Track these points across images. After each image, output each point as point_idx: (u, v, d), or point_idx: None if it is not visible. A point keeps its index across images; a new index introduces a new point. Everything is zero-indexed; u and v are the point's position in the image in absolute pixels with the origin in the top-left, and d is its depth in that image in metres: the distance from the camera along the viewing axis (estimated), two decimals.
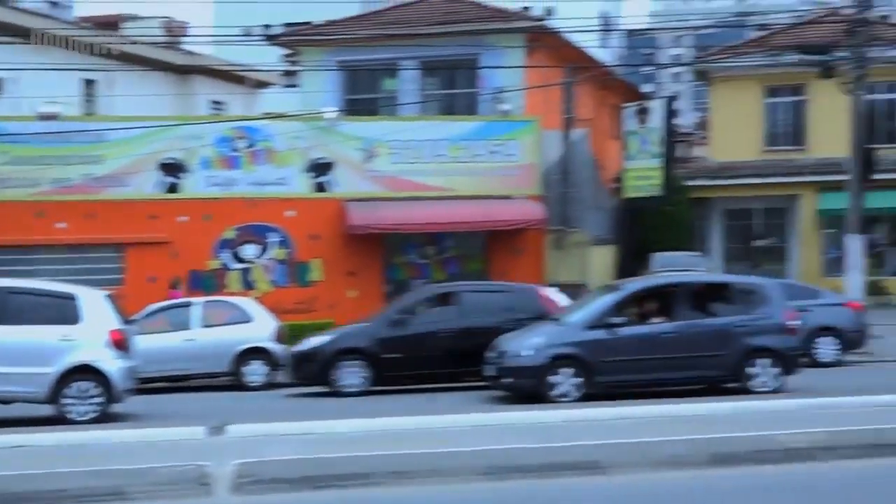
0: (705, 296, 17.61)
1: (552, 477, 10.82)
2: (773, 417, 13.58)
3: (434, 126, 27.61)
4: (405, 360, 18.85)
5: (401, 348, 18.92)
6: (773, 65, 33.36)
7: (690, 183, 34.45)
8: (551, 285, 23.32)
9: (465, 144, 27.39)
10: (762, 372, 16.93)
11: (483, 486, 10.65)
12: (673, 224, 33.19)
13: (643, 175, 30.60)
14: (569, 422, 13.84)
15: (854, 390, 15.97)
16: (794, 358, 17.33)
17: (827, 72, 24.24)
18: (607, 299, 17.36)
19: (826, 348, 21.57)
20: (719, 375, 17.09)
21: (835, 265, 30.25)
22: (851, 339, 21.92)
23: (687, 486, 10.56)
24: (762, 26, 43.85)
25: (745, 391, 16.73)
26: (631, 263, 31.47)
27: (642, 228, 33.46)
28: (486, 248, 27.68)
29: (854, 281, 23.85)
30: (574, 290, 23.21)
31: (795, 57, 27.62)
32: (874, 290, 29.59)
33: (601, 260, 30.78)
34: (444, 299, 20.31)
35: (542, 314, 18.88)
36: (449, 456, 11.46)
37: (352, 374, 18.85)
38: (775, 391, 16.70)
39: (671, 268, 27.33)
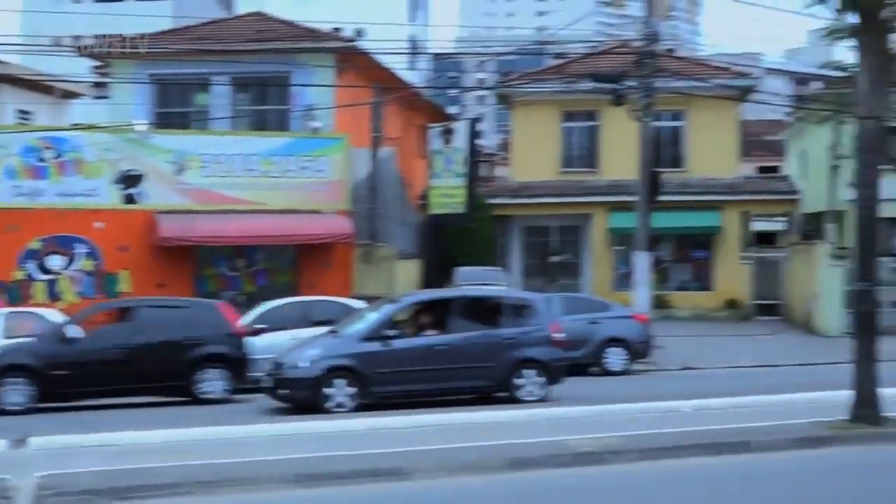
0: (478, 309, 17.79)
1: (358, 483, 10.86)
2: (565, 424, 13.95)
3: (245, 141, 27.26)
4: (73, 376, 17.67)
5: (69, 364, 17.73)
6: (569, 91, 34.20)
7: (492, 201, 35.02)
8: (359, 298, 23.35)
9: (276, 160, 27.17)
10: (529, 382, 17.18)
11: (291, 494, 10.60)
12: (476, 240, 33.69)
13: (448, 193, 30.99)
14: (372, 430, 13.89)
15: (638, 397, 16.56)
16: (559, 368, 17.59)
17: (618, 99, 24.93)
18: (383, 312, 17.34)
19: (615, 358, 22.23)
20: (489, 385, 17.24)
21: (624, 280, 31.28)
22: (638, 350, 22.67)
23: (486, 490, 10.77)
24: (559, 55, 45.15)
25: (513, 400, 16.91)
26: (436, 277, 31.81)
27: (447, 244, 33.85)
28: (296, 261, 27.50)
29: (641, 295, 24.64)
30: None
31: (589, 85, 28.33)
32: (659, 303, 30.74)
33: (407, 274, 30.98)
34: (119, 314, 19.56)
35: (224, 329, 18.63)
36: (257, 465, 11.36)
37: (15, 392, 17.40)
38: (541, 400, 16.95)
39: (473, 281, 27.81)
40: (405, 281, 29.96)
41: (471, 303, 18.09)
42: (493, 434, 13.01)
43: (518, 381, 17.14)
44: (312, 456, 11.78)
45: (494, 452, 11.83)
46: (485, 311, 17.74)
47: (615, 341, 22.30)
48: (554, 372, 17.44)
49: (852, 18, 13.78)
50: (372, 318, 17.31)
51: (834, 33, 17.32)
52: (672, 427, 13.29)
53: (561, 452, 11.84)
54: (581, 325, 22.29)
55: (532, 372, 17.23)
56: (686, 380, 21.07)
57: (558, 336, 17.67)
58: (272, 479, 10.83)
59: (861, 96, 13.75)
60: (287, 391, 16.69)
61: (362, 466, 11.26)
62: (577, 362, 22.03)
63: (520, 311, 17.75)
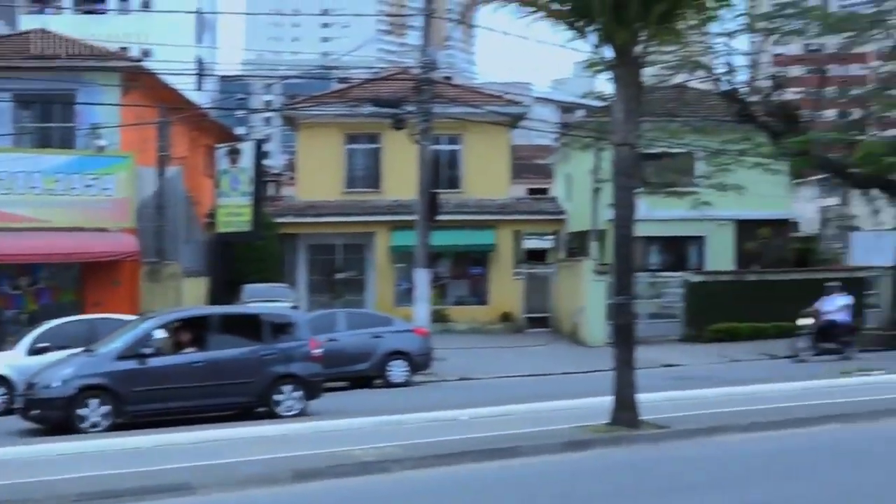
0: (238, 326, 17.35)
1: (145, 500, 10.54)
2: (348, 435, 13.93)
3: (28, 158, 26.02)
4: None
5: None
6: (352, 115, 34.32)
7: (279, 219, 34.73)
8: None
9: (61, 177, 26.07)
10: (288, 397, 16.89)
11: None
12: (263, 257, 33.32)
13: (234, 211, 30.52)
14: (158, 446, 13.49)
15: (419, 407, 16.70)
16: (317, 383, 17.39)
17: (398, 123, 25.20)
18: (138, 330, 16.68)
19: (397, 370, 22.36)
20: (248, 401, 16.69)
21: (405, 296, 31.56)
22: (419, 362, 22.88)
23: (272, 502, 10.66)
24: (343, 79, 45.28)
25: (272, 415, 16.56)
26: (223, 294, 31.25)
27: (234, 261, 33.34)
28: (81, 279, 26.46)
29: (421, 310, 24.88)
30: None
31: (371, 109, 28.51)
32: (438, 317, 31.19)
33: (194, 291, 30.30)
34: None
35: None
36: (38, 485, 10.85)
37: None
38: (299, 415, 16.67)
39: (260, 298, 27.50)
40: (192, 298, 29.32)
41: (230, 319, 17.59)
42: (278, 447, 12.88)
43: (277, 397, 16.81)
44: (97, 474, 11.35)
45: (279, 465, 11.71)
46: (245, 327, 17.25)
47: (397, 354, 22.43)
48: (312, 387, 17.23)
49: (609, 53, 14.39)
50: (128, 336, 16.56)
51: (594, 66, 18.10)
52: (450, 435, 13.49)
53: (344, 462, 11.83)
54: (365, 339, 22.39)
55: (291, 387, 16.93)
56: (464, 390, 21.40)
57: (317, 352, 17.46)
58: (59, 498, 10.37)
59: (616, 125, 14.38)
60: (39, 411, 15.82)
61: (149, 483, 10.93)
62: (361, 375, 22.19)
63: (280, 327, 17.37)
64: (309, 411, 16.91)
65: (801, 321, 25.17)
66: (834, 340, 25.11)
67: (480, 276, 36.12)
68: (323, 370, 17.71)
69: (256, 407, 16.85)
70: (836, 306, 25.21)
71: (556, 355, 27.85)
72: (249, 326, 17.27)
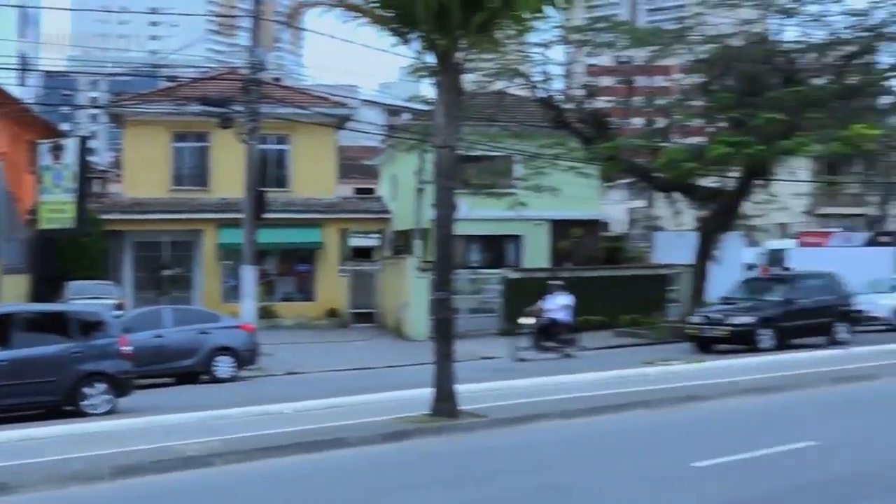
0: (43, 324, 16.59)
1: None
2: (172, 430, 13.59)
3: None
4: None
5: None
6: (180, 113, 33.50)
7: (105, 216, 33.60)
8: None
9: None
10: (96, 395, 16.25)
11: None
12: (87, 255, 32.16)
13: (57, 208, 29.34)
14: None
15: (244, 402, 16.41)
16: (126, 381, 16.82)
17: (225, 122, 24.73)
18: None
19: (224, 366, 21.97)
20: (54, 400, 16.05)
21: (233, 292, 31.01)
22: (245, 358, 22.54)
23: (94, 499, 10.32)
24: (171, 78, 44.11)
25: (80, 413, 15.92)
26: (46, 292, 29.99)
27: (58, 258, 32.05)
28: None
29: (248, 306, 24.53)
30: None
31: (199, 108, 27.88)
32: (265, 314, 30.78)
33: (15, 289, 28.95)
34: None
35: None
36: None
37: None
38: (109, 413, 16.11)
39: (85, 295, 26.52)
40: (13, 296, 28.03)
41: (37, 317, 16.85)
42: (98, 444, 12.44)
43: (84, 395, 16.19)
44: None
45: (99, 462, 11.32)
46: (52, 325, 16.52)
47: (224, 350, 22.06)
48: (122, 384, 16.66)
49: (431, 59, 14.51)
50: None
51: (417, 71, 18.25)
52: (274, 429, 13.35)
53: (167, 458, 11.55)
54: (191, 335, 21.92)
55: (99, 385, 16.34)
56: (290, 384, 21.20)
57: (126, 349, 16.87)
58: None
59: (438, 128, 14.50)
60: None
61: None
62: (187, 371, 21.72)
63: (88, 324, 16.70)
64: (119, 409, 16.36)
65: (523, 320, 24.49)
66: (554, 339, 24.41)
67: (307, 273, 35.89)
68: (133, 367, 17.09)
69: (63, 405, 16.16)
70: (557, 305, 24.64)
71: (380, 349, 27.93)
72: (57, 324, 16.52)
